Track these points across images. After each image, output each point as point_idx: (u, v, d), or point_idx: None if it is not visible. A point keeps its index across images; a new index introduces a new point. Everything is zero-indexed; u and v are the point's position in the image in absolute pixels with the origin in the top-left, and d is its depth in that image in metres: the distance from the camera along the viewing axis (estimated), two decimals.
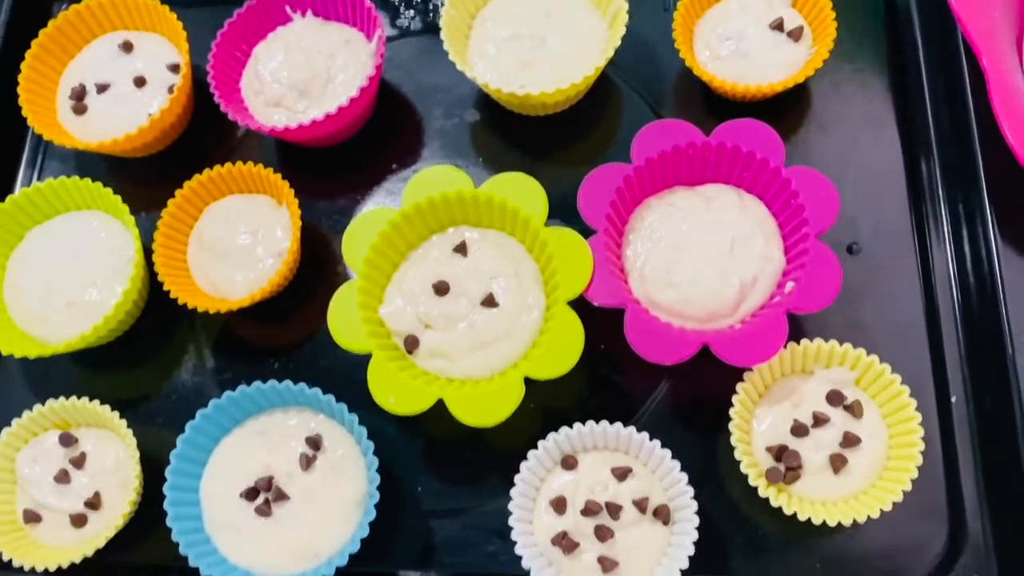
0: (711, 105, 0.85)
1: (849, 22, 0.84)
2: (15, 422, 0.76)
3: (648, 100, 0.86)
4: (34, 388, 0.83)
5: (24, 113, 0.85)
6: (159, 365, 0.83)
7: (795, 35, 0.81)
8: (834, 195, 0.71)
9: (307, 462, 0.72)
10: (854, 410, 0.69)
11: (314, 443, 0.72)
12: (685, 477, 0.68)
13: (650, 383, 0.77)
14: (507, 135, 0.87)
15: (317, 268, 0.84)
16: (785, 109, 0.83)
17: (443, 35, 0.81)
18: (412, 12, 0.93)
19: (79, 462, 0.75)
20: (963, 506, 0.71)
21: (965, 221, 0.77)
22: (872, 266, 0.78)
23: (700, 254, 0.72)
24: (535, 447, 0.70)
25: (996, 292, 0.73)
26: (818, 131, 0.83)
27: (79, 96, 0.87)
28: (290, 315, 0.83)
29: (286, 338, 0.83)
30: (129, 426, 0.75)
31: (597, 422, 0.70)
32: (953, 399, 0.74)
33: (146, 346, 0.83)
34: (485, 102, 0.88)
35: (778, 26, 0.81)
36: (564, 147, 0.86)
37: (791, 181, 0.72)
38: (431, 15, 0.92)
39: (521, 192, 0.74)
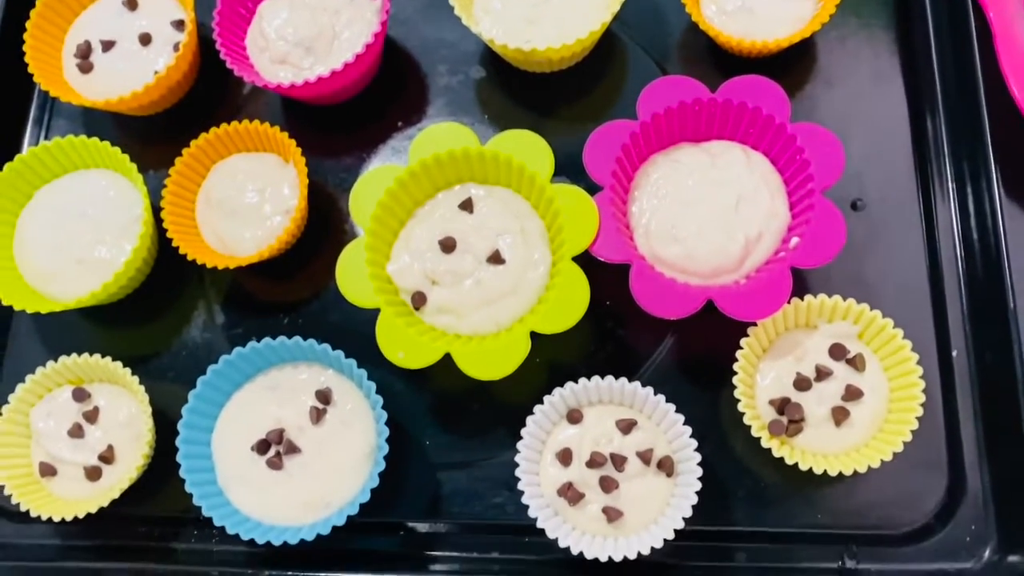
0: (717, 61, 0.84)
1: None
2: (29, 378, 0.77)
3: (654, 56, 0.86)
4: (47, 345, 0.84)
5: (31, 70, 0.85)
6: (170, 321, 0.84)
7: None
8: (839, 151, 0.71)
9: (317, 415, 0.73)
10: (856, 363, 0.70)
11: (324, 397, 0.73)
12: (689, 430, 0.69)
13: (655, 338, 0.78)
14: (513, 92, 0.87)
15: (325, 225, 0.84)
16: (791, 64, 0.83)
17: None
18: None
19: (92, 416, 0.77)
20: (962, 459, 0.72)
21: (970, 178, 0.78)
22: (876, 222, 0.78)
23: (705, 210, 0.72)
24: (541, 401, 0.71)
25: (999, 248, 0.74)
26: (824, 86, 0.83)
27: (84, 54, 0.87)
28: (299, 271, 0.84)
29: (295, 294, 0.83)
30: (141, 382, 0.76)
31: (603, 377, 0.71)
32: (955, 353, 0.74)
33: (156, 302, 0.84)
34: (491, 58, 0.87)
35: None
36: (570, 104, 0.86)
37: (796, 137, 0.72)
38: None
39: (527, 149, 0.74)
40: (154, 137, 0.90)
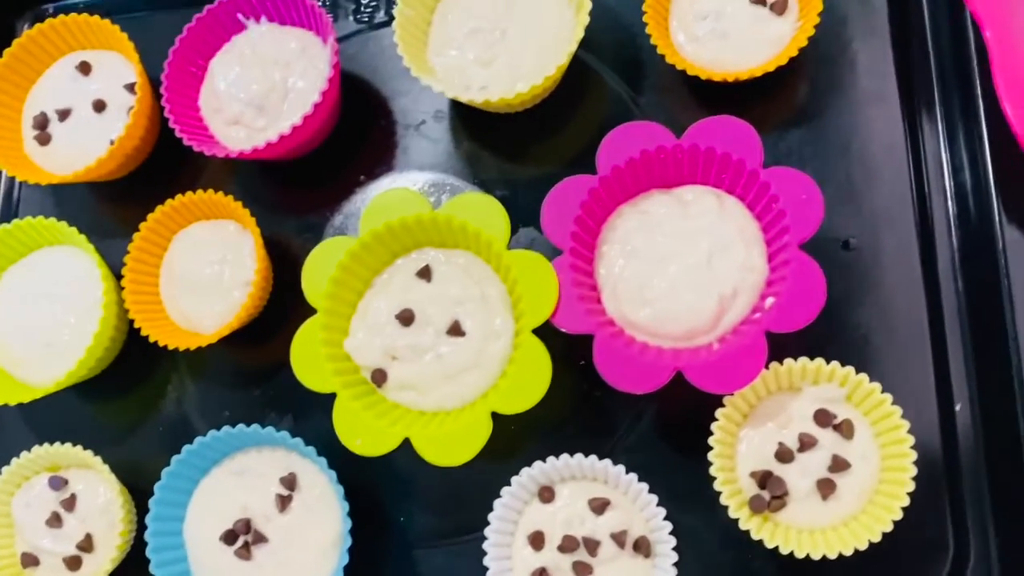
0: (693, 88, 0.78)
1: None
2: (5, 469, 0.77)
3: (625, 87, 0.80)
4: (26, 426, 0.84)
5: None
6: (144, 396, 0.83)
7: (779, 7, 0.73)
8: (818, 199, 0.65)
9: (282, 503, 0.71)
10: (843, 430, 0.65)
11: (289, 484, 0.71)
12: (663, 512, 0.65)
13: (634, 397, 0.73)
14: (479, 134, 0.82)
15: (292, 288, 0.81)
16: (773, 87, 0.76)
17: (396, 38, 0.76)
18: (375, 3, 0.87)
19: (70, 504, 0.76)
20: (967, 525, 0.66)
21: (973, 206, 0.70)
22: (870, 262, 0.72)
23: (676, 267, 0.67)
24: (518, 469, 0.68)
25: (1000, 288, 0.67)
26: (810, 110, 0.76)
27: (42, 125, 0.85)
28: (269, 338, 0.81)
29: (267, 361, 0.81)
30: (117, 464, 0.75)
31: (578, 444, 0.68)
32: (958, 407, 0.68)
33: (129, 377, 0.83)
34: (452, 101, 0.82)
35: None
36: (540, 142, 0.81)
37: (770, 185, 0.66)
38: (392, 5, 0.86)
39: (482, 212, 0.70)
40: (124, 200, 0.88)
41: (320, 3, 0.81)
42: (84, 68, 0.85)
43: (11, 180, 0.92)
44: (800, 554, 0.62)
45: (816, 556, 0.62)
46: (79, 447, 0.76)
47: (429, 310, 0.70)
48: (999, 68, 0.63)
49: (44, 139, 0.84)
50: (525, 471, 0.68)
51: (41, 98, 0.86)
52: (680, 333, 0.67)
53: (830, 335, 0.70)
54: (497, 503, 0.68)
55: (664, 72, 0.79)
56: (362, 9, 0.87)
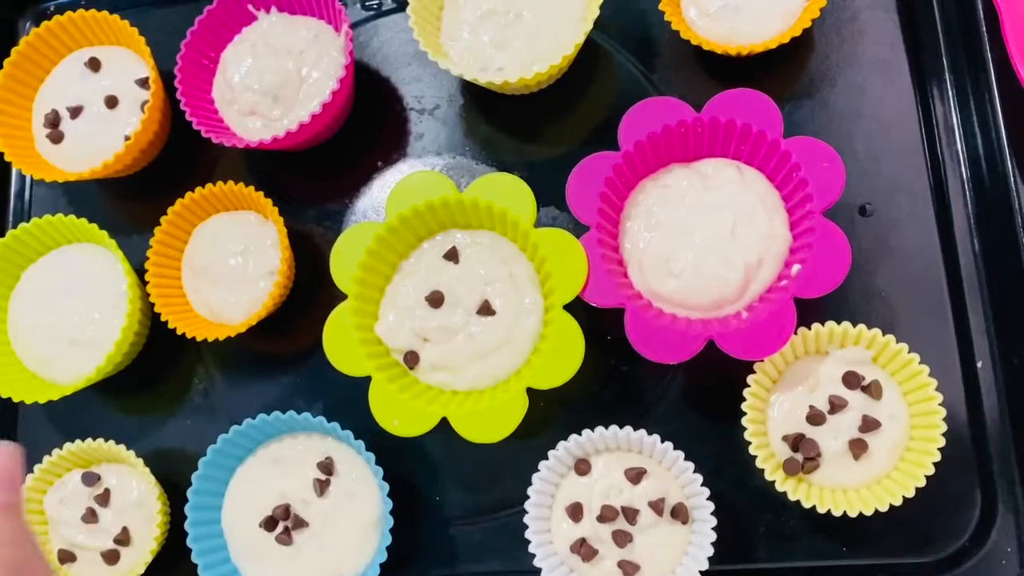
0: (707, 63, 0.79)
1: None
2: (37, 467, 0.77)
3: (639, 65, 0.80)
4: (53, 424, 0.84)
5: (2, 148, 0.83)
6: (172, 388, 0.83)
7: None
8: (839, 166, 0.66)
9: (321, 487, 0.72)
10: (872, 391, 0.66)
11: (326, 468, 0.72)
12: (700, 478, 0.66)
13: (661, 368, 0.75)
14: (494, 117, 0.82)
15: (317, 276, 0.82)
16: (785, 60, 0.77)
17: (411, 23, 0.76)
18: None
19: (104, 499, 0.77)
20: (993, 476, 0.68)
21: (987, 171, 0.72)
22: (887, 226, 0.73)
23: (700, 238, 0.68)
24: (549, 444, 0.69)
25: (1018, 246, 0.68)
26: (822, 80, 0.77)
27: (54, 123, 0.84)
28: (295, 325, 0.81)
29: (294, 350, 0.82)
30: (148, 458, 0.76)
31: (610, 417, 0.69)
32: (979, 364, 0.70)
33: (157, 371, 0.83)
34: (467, 84, 0.83)
35: None
36: (555, 123, 0.81)
37: (791, 154, 0.67)
38: None
39: (507, 193, 0.70)
40: (137, 195, 0.88)
41: None
42: (94, 64, 0.85)
43: (22, 180, 0.92)
44: (837, 512, 0.64)
45: (852, 513, 0.64)
46: (111, 442, 0.76)
47: (458, 291, 0.71)
48: (1011, 34, 0.64)
49: (57, 137, 0.84)
50: (561, 444, 0.69)
51: (52, 96, 0.86)
52: (708, 303, 0.68)
53: (850, 298, 0.72)
54: (535, 477, 0.69)
55: (675, 48, 0.79)
56: None
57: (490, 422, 0.68)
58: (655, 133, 0.69)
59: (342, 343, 0.70)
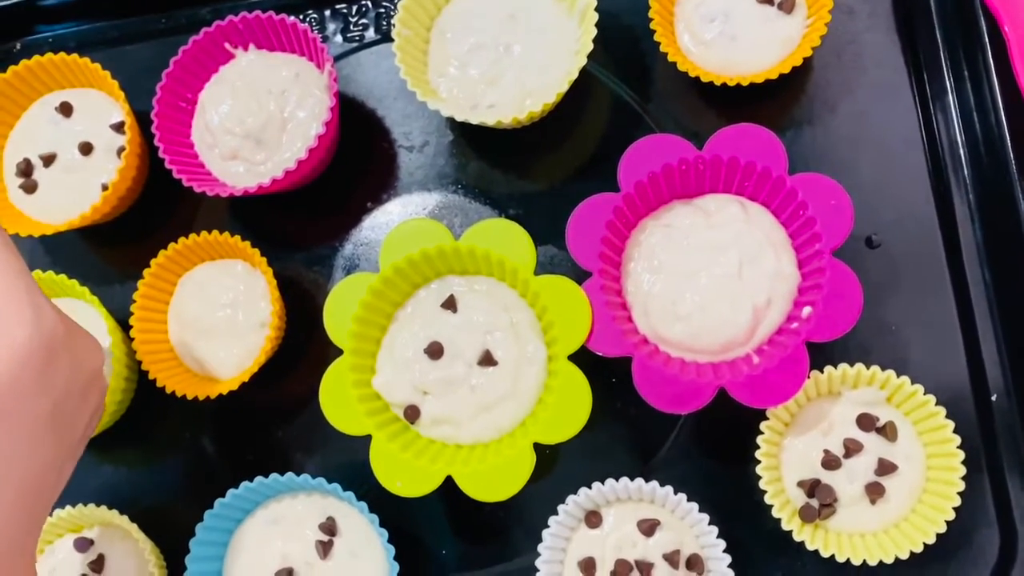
0: (704, 92, 0.76)
1: None
2: None
3: (633, 95, 0.78)
4: None
5: None
6: (160, 447, 0.80)
7: (787, 6, 0.72)
8: (847, 204, 0.64)
9: (324, 549, 0.69)
10: (887, 432, 0.65)
11: (329, 528, 0.70)
12: (715, 530, 0.64)
13: (670, 415, 0.73)
14: (485, 152, 0.80)
15: (308, 322, 0.79)
16: (784, 85, 0.75)
17: (398, 60, 0.73)
18: (364, 21, 0.84)
19: (98, 566, 0.74)
20: (1012, 513, 0.67)
21: (996, 196, 0.70)
22: (896, 257, 0.72)
23: (706, 280, 0.66)
24: (556, 492, 0.67)
25: None
26: (823, 106, 0.75)
27: (26, 172, 0.81)
28: (286, 377, 0.79)
29: (287, 400, 0.79)
30: (141, 519, 0.73)
31: (614, 469, 0.68)
32: (994, 398, 0.69)
33: (143, 428, 0.80)
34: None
35: None
36: (549, 156, 0.78)
37: (797, 191, 0.65)
38: (384, 22, 0.84)
39: (505, 240, 0.68)
40: (117, 243, 0.84)
41: (307, 24, 0.77)
42: (65, 109, 0.81)
43: None
44: (856, 561, 0.63)
45: (872, 562, 0.62)
46: (102, 507, 0.74)
47: (458, 341, 0.68)
48: (1021, 63, 0.63)
49: (30, 187, 0.81)
50: (571, 499, 0.67)
51: (22, 144, 0.82)
52: (716, 347, 0.66)
53: (859, 333, 0.69)
54: (546, 533, 0.67)
55: (670, 77, 0.77)
56: (351, 28, 0.84)
57: (497, 480, 0.65)
58: (655, 172, 0.67)
59: (340, 402, 0.68)
